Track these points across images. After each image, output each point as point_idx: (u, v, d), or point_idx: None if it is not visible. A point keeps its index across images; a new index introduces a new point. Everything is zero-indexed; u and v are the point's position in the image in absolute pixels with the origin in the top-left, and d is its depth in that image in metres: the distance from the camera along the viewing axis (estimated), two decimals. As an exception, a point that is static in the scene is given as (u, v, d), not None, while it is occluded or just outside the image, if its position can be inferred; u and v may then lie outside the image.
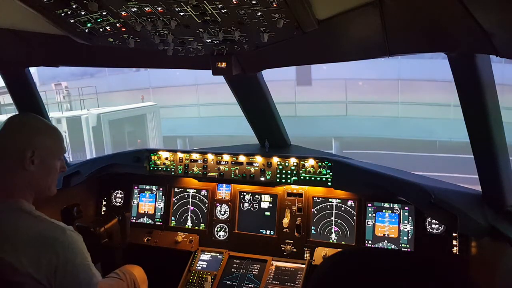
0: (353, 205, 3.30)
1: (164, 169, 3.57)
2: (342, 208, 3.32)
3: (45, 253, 1.88)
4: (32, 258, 1.86)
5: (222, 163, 3.44)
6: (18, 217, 1.94)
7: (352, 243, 3.26)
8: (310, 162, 3.22)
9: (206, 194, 3.67)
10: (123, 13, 2.02)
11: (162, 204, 3.77)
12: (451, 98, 14.86)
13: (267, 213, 3.48)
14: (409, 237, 3.14)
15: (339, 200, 3.33)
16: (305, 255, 3.30)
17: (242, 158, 3.39)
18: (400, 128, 18.00)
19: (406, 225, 3.16)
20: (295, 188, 3.40)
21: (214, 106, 19.74)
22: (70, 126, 16.64)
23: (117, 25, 2.17)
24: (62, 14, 2.02)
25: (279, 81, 14.71)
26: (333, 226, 3.32)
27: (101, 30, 2.22)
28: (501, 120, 2.34)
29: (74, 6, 1.94)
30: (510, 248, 2.38)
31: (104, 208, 3.93)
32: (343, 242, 3.28)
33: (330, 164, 3.17)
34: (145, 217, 3.81)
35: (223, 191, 3.61)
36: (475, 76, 2.13)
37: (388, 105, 19.11)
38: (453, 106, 15.76)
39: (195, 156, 3.51)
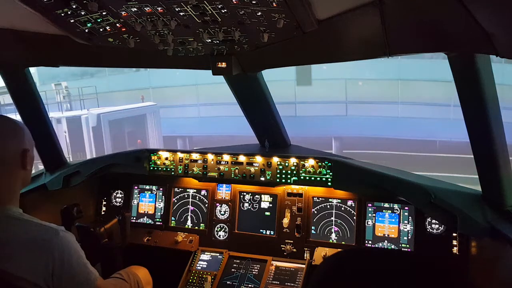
0: (353, 205, 3.30)
1: (164, 169, 3.57)
2: (342, 208, 3.32)
3: (41, 257, 1.87)
4: (28, 263, 1.85)
5: (222, 163, 3.43)
6: (10, 224, 1.93)
7: (352, 243, 3.26)
8: (310, 162, 3.22)
9: (206, 194, 3.67)
10: (123, 13, 2.02)
11: (162, 204, 3.77)
12: (451, 98, 14.87)
13: (267, 213, 3.48)
14: (409, 237, 3.14)
15: (339, 200, 3.32)
16: (305, 255, 3.30)
17: (242, 158, 3.39)
18: (400, 128, 18.00)
19: (406, 225, 3.16)
20: (295, 188, 3.40)
21: (214, 106, 19.74)
22: (70, 126, 16.67)
23: (117, 25, 2.17)
24: (62, 14, 2.02)
25: (279, 81, 14.71)
26: (333, 226, 3.31)
27: (101, 30, 2.21)
28: (501, 120, 2.34)
29: (74, 6, 1.94)
30: (510, 248, 2.37)
31: (104, 208, 3.93)
32: (343, 242, 3.28)
33: (330, 164, 3.17)
34: (145, 217, 3.81)
35: (223, 191, 3.61)
36: (475, 76, 2.13)
37: (388, 105, 19.11)
38: (453, 106, 15.77)
39: (195, 156, 3.51)
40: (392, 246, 3.17)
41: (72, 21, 2.10)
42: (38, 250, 1.88)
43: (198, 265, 3.42)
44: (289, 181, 3.29)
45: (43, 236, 1.91)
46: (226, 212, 3.58)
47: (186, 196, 3.73)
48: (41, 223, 1.97)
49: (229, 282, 3.26)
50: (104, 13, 2.03)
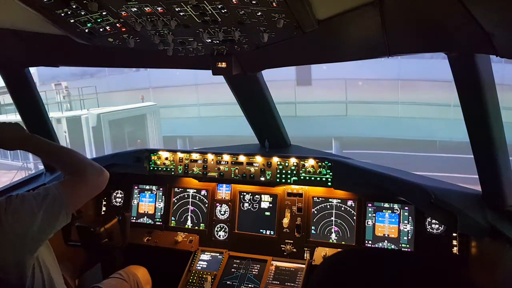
0: (353, 205, 3.30)
1: (164, 169, 3.57)
2: (342, 208, 3.32)
3: (6, 243, 1.86)
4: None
5: (222, 163, 3.44)
6: None
7: (352, 243, 3.26)
8: (310, 162, 3.22)
9: (206, 194, 3.67)
10: (123, 13, 2.02)
11: (162, 204, 3.77)
12: (451, 98, 14.88)
13: (267, 213, 3.48)
14: (409, 237, 3.14)
15: (339, 200, 3.32)
16: (305, 255, 3.30)
17: (242, 158, 3.39)
18: (400, 128, 18.00)
19: (406, 225, 3.16)
20: (295, 188, 3.40)
21: (214, 106, 19.75)
22: (70, 126, 16.66)
23: (117, 25, 2.17)
24: (62, 14, 2.02)
25: (279, 81, 14.71)
26: (333, 226, 3.31)
27: (101, 30, 2.21)
28: (501, 120, 2.34)
29: (74, 6, 1.94)
30: (510, 248, 2.38)
31: (104, 208, 3.92)
32: (343, 242, 3.28)
33: (330, 164, 3.17)
34: (145, 217, 3.81)
35: (223, 191, 3.61)
36: (475, 76, 2.13)
37: (388, 105, 19.12)
38: (453, 106, 15.77)
39: (195, 156, 3.51)
40: (392, 246, 3.17)
41: (72, 21, 2.10)
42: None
43: (198, 265, 3.42)
44: (289, 181, 3.29)
45: None
46: (226, 212, 3.58)
47: (186, 196, 3.72)
48: None
49: (229, 282, 3.26)
50: (104, 13, 2.03)
